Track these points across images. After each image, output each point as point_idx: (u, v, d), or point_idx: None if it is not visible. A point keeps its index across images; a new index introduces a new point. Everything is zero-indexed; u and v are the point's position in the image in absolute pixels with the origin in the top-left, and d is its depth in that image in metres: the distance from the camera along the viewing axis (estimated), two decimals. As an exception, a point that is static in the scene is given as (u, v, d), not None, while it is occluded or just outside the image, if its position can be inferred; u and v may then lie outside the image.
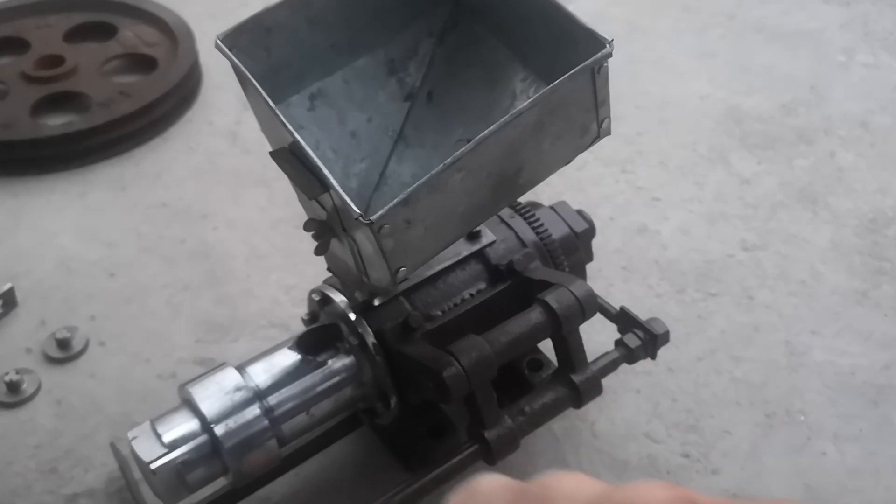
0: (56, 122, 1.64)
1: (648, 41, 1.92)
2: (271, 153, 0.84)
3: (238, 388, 0.92)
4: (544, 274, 1.02)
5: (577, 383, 0.97)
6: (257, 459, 0.92)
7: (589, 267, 1.17)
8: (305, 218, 0.90)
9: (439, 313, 1.00)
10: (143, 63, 1.79)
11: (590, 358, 1.01)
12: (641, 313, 1.09)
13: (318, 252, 0.89)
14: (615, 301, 1.14)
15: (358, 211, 0.75)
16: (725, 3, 2.03)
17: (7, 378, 1.18)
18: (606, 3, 2.01)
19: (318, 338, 0.99)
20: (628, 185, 1.54)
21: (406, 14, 0.99)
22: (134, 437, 0.90)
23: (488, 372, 0.91)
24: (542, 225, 1.08)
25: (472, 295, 1.02)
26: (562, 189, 1.43)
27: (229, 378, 0.93)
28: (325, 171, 0.76)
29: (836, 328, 1.28)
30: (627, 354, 1.04)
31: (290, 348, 0.98)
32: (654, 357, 1.06)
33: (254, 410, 0.92)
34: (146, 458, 0.87)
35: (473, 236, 1.04)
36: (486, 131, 0.76)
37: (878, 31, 1.95)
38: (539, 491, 0.43)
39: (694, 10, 2.02)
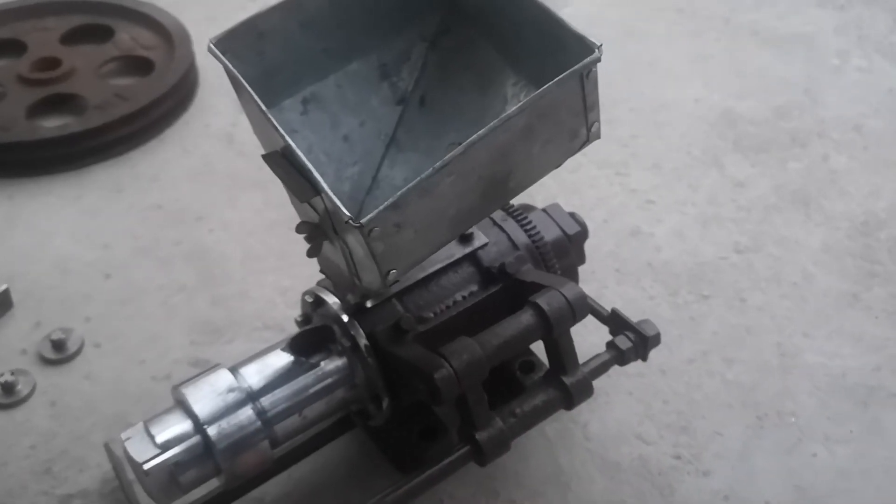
0: (52, 125, 1.65)
1: (643, 44, 1.92)
2: (264, 156, 0.84)
3: (231, 390, 0.93)
4: (536, 276, 1.02)
5: (568, 385, 0.98)
6: (250, 460, 0.93)
7: (582, 269, 1.17)
8: (299, 218, 0.90)
9: (431, 315, 1.00)
10: (139, 66, 1.80)
11: (581, 360, 1.01)
12: (634, 315, 1.09)
13: (310, 254, 0.90)
14: (608, 303, 1.15)
15: (348, 214, 0.75)
16: (720, 7, 2.04)
17: (2, 379, 1.18)
18: (602, 7, 2.02)
19: (310, 339, 1.00)
20: (622, 188, 1.55)
21: (399, 19, 1.00)
22: (127, 438, 0.90)
23: (479, 374, 0.92)
24: (534, 227, 1.09)
25: (464, 297, 1.02)
26: (556, 191, 1.44)
27: (222, 379, 0.94)
28: (317, 175, 0.77)
29: (827, 330, 1.29)
30: (618, 356, 1.04)
31: (283, 350, 0.99)
32: (645, 359, 1.07)
33: (247, 412, 0.92)
34: (139, 458, 0.88)
35: (466, 238, 1.05)
36: (476, 135, 0.77)
37: (872, 35, 1.96)
38: None
39: (689, 13, 2.03)
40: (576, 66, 0.78)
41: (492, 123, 0.77)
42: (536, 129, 0.82)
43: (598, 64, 0.82)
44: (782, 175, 1.58)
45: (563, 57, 0.82)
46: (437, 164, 0.76)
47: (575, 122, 0.86)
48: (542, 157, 0.87)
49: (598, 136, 0.89)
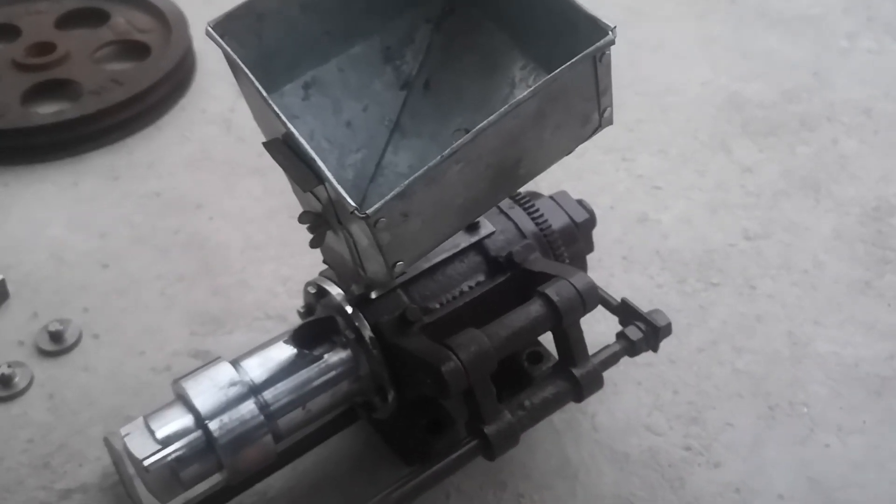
0: (47, 111, 1.62)
1: (649, 26, 1.89)
2: (264, 144, 0.82)
3: (233, 383, 0.91)
4: (544, 266, 1.00)
5: (577, 377, 0.95)
6: (252, 455, 0.91)
7: (589, 257, 1.15)
8: (301, 207, 0.88)
9: (437, 306, 0.98)
10: (135, 50, 1.77)
11: (590, 350, 0.99)
12: (642, 304, 1.07)
13: (313, 245, 0.88)
14: (615, 291, 1.12)
15: (353, 204, 0.73)
16: (726, -12, 2.01)
17: (-1, 372, 1.16)
18: (606, -12, 1.99)
19: (314, 331, 0.98)
20: (628, 174, 1.52)
21: (402, 0, 0.97)
22: (127, 434, 0.88)
23: (487, 366, 0.89)
24: (541, 215, 1.06)
25: (470, 287, 1.00)
26: (561, 177, 1.41)
27: (224, 373, 0.92)
28: (320, 164, 0.74)
29: (839, 318, 1.27)
30: (629, 347, 1.02)
31: (285, 342, 0.97)
32: (656, 349, 1.05)
33: (249, 406, 0.90)
34: (139, 455, 0.86)
35: (472, 227, 1.02)
36: (486, 121, 0.74)
37: (882, 15, 1.92)
38: None
39: (694, -6, 2.00)
40: (589, 49, 0.75)
41: (502, 109, 0.74)
42: (547, 115, 0.79)
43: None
44: (791, 160, 1.55)
45: (575, 39, 0.79)
46: (446, 151, 0.73)
47: (587, 107, 0.83)
48: (552, 144, 0.85)
49: (610, 122, 0.86)
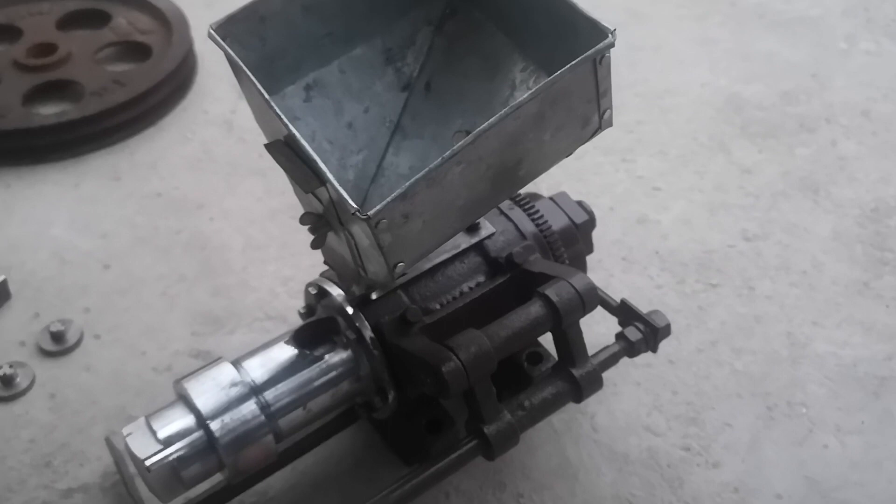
0: (49, 112, 1.63)
1: (648, 28, 1.89)
2: (266, 146, 0.82)
3: (234, 384, 0.91)
4: (544, 266, 1.00)
5: (577, 377, 0.96)
6: (253, 455, 0.91)
7: (589, 258, 1.16)
8: (303, 208, 0.88)
9: (437, 307, 0.98)
10: (136, 51, 1.77)
11: (590, 351, 0.99)
12: (641, 304, 1.08)
13: (314, 246, 0.88)
14: (615, 292, 1.13)
15: (355, 206, 0.73)
16: (726, -10, 2.01)
17: (1, 372, 1.17)
18: (606, -10, 1.99)
19: (314, 332, 0.98)
20: (628, 175, 1.53)
21: (404, 2, 0.97)
22: (128, 434, 0.89)
23: (487, 367, 0.90)
24: (541, 216, 1.07)
25: (470, 288, 1.01)
26: (561, 179, 1.42)
27: (225, 373, 0.92)
28: (322, 165, 0.75)
29: (837, 319, 1.27)
30: (628, 348, 1.03)
31: (286, 342, 0.97)
32: (655, 350, 1.05)
33: (250, 406, 0.90)
34: (141, 454, 0.86)
35: (472, 228, 1.03)
36: (486, 123, 0.74)
37: (880, 17, 1.93)
38: None
39: (694, -4, 2.00)
40: (589, 52, 0.76)
41: (503, 111, 0.74)
42: (548, 117, 0.80)
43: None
44: (790, 161, 1.56)
45: (575, 41, 0.79)
46: (447, 153, 0.74)
47: (587, 109, 0.83)
48: (553, 146, 0.85)
49: (610, 124, 0.86)
